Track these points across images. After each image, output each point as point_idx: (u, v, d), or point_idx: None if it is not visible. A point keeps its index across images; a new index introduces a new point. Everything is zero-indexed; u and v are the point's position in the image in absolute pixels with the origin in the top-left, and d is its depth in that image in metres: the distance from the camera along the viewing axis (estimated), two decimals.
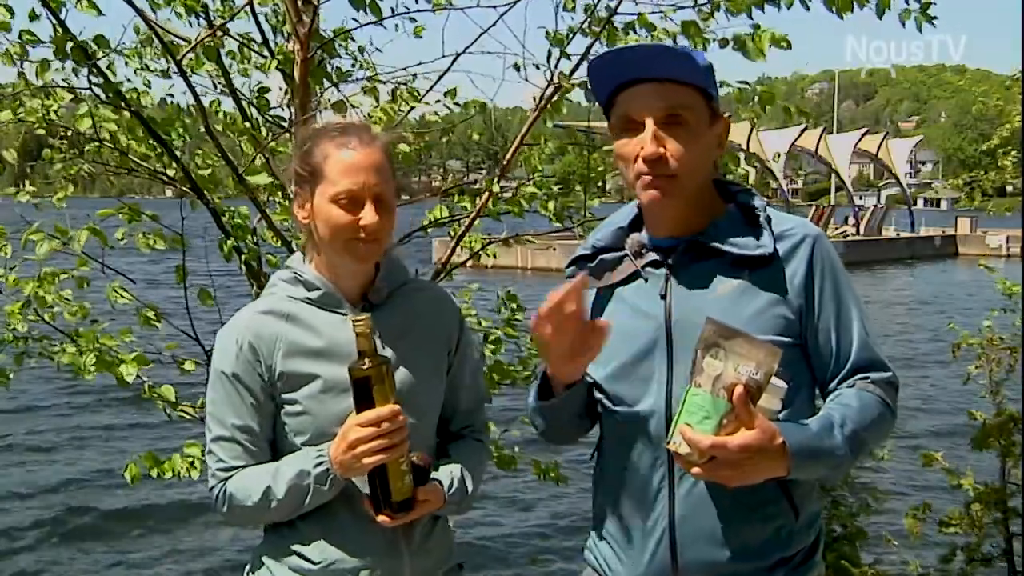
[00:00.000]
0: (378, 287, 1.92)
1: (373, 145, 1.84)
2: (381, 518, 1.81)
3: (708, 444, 1.57)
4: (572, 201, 4.10)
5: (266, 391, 1.86)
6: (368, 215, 1.81)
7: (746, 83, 3.64)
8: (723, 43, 3.49)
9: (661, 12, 3.54)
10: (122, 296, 3.57)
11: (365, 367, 1.74)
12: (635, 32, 3.57)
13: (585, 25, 3.60)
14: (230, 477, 1.87)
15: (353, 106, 3.92)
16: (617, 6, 3.58)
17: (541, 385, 1.88)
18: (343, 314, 1.88)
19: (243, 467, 1.87)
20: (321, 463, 1.81)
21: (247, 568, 2.00)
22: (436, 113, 4.05)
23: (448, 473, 1.94)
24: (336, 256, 1.87)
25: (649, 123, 1.73)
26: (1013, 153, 7.58)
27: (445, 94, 3.91)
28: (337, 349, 1.86)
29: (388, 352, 1.86)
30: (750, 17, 3.45)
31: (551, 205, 4.00)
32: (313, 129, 1.89)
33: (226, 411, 1.87)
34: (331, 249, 1.86)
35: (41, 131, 3.62)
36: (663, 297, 1.80)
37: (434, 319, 2.00)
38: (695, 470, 1.61)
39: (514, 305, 4.19)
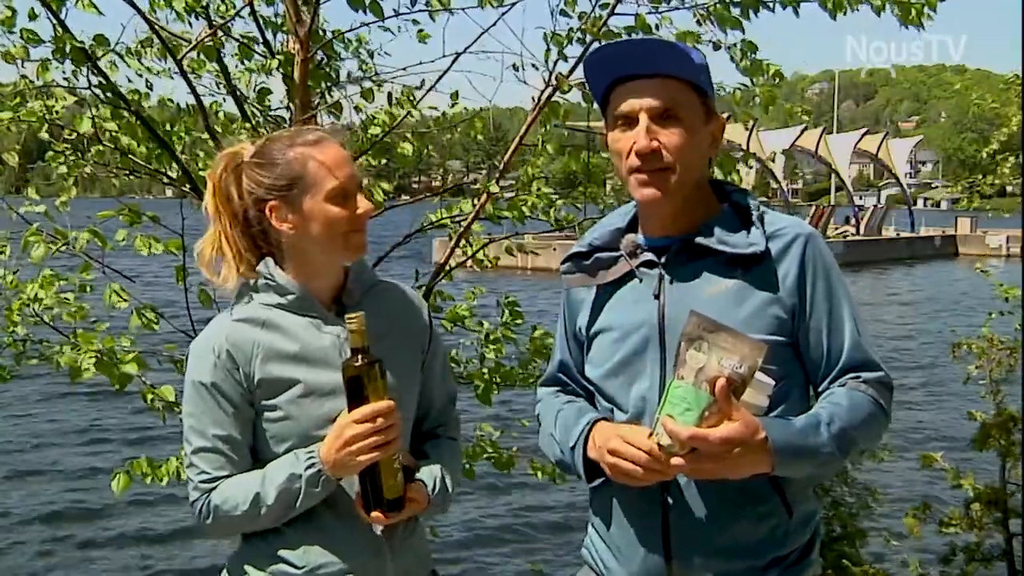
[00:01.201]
0: (350, 290, 1.92)
1: (338, 139, 1.88)
2: (375, 515, 1.80)
3: (688, 435, 1.56)
4: (575, 200, 4.11)
5: (245, 399, 1.84)
6: (363, 203, 1.84)
7: (746, 85, 3.66)
8: (716, 45, 3.50)
9: (659, 15, 3.55)
10: (122, 299, 3.56)
11: (358, 364, 1.74)
12: (629, 35, 3.58)
13: (580, 28, 3.61)
14: (213, 488, 1.84)
15: (357, 109, 3.93)
16: (613, 8, 3.59)
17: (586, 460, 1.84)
18: (318, 318, 1.88)
19: (226, 477, 1.84)
20: (312, 464, 1.79)
21: (224, 572, 1.96)
22: (437, 116, 4.06)
23: (430, 474, 1.93)
24: (329, 255, 1.87)
25: (643, 117, 1.74)
26: (1012, 159, 7.59)
27: (452, 97, 3.92)
28: (315, 353, 1.86)
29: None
30: (747, 19, 3.47)
31: (551, 212, 4.01)
32: (268, 143, 1.87)
33: (206, 422, 1.84)
34: (326, 248, 1.85)
35: (44, 134, 3.62)
36: (656, 297, 1.81)
37: (408, 319, 2.00)
38: (675, 461, 1.61)
39: (515, 309, 4.19)
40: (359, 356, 1.74)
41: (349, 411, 1.76)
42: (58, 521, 9.40)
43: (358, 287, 1.93)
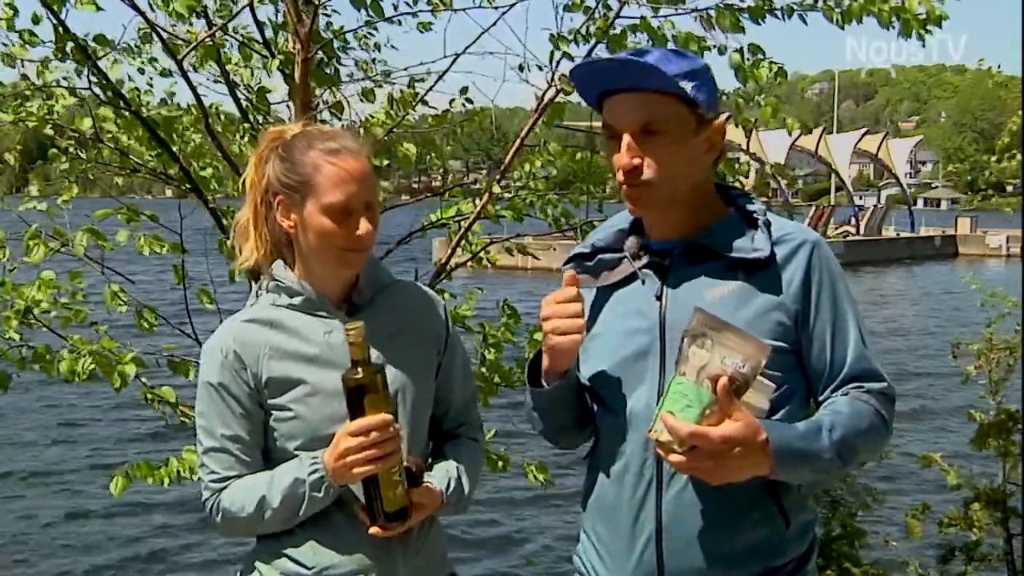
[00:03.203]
0: (361, 289, 1.92)
1: (361, 154, 1.84)
2: (374, 530, 1.80)
3: (688, 432, 1.55)
4: (576, 199, 4.11)
5: (253, 399, 1.85)
6: (363, 226, 1.81)
7: (747, 93, 3.66)
8: (722, 50, 3.50)
9: (663, 17, 3.55)
10: (121, 302, 3.56)
11: (358, 376, 1.73)
12: (636, 36, 3.58)
13: (585, 29, 3.61)
14: (223, 488, 1.86)
15: (361, 112, 3.94)
16: (619, 9, 3.58)
17: (532, 373, 1.89)
18: (327, 318, 1.88)
19: (236, 477, 1.86)
20: (316, 470, 1.79)
21: (239, 572, 1.98)
22: (437, 115, 4.06)
23: (444, 473, 1.93)
24: (323, 265, 1.87)
25: (625, 136, 1.74)
26: (1017, 157, 7.60)
27: (458, 94, 3.92)
28: (323, 353, 1.86)
29: (378, 353, 1.84)
30: (758, 23, 3.47)
31: (549, 211, 4.01)
32: (298, 137, 1.87)
33: (215, 422, 1.86)
34: (320, 258, 1.86)
35: (46, 132, 3.61)
36: (658, 299, 1.80)
37: (421, 318, 1.99)
38: (674, 458, 1.59)
39: (511, 311, 4.19)
40: (359, 368, 1.73)
41: (351, 422, 1.76)
42: (66, 517, 9.43)
43: (369, 286, 1.93)
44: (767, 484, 1.68)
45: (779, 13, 3.45)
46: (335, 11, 3.73)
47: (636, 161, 1.73)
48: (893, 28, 3.33)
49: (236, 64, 3.80)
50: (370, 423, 1.73)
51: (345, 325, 1.75)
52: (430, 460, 1.99)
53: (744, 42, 3.50)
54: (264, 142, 1.90)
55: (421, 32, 3.84)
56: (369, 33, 3.87)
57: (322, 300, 1.88)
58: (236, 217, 1.95)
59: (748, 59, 3.51)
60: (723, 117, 1.89)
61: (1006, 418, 5.29)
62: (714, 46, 3.50)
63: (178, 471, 3.57)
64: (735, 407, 1.57)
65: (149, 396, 3.66)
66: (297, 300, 1.88)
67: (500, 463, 4.20)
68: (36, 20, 3.27)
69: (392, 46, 4.03)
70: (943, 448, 6.89)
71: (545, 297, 1.76)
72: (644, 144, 1.73)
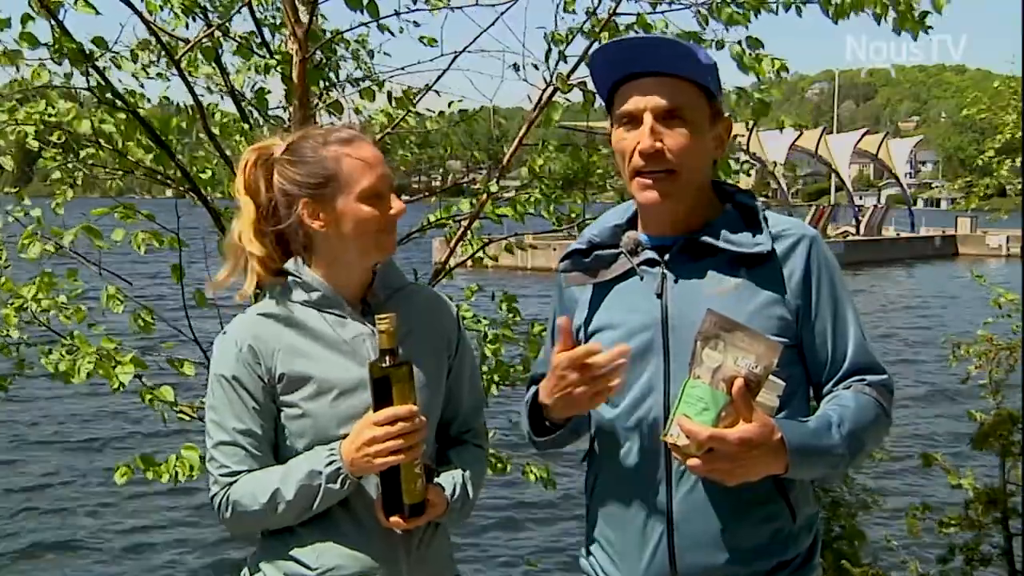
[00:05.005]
0: (375, 291, 1.92)
1: (370, 140, 1.88)
2: (394, 520, 1.79)
3: (707, 435, 1.54)
4: (574, 200, 4.10)
5: (267, 393, 1.84)
6: (396, 204, 1.85)
7: (743, 89, 3.66)
8: (719, 44, 3.50)
9: (660, 13, 3.56)
10: (118, 301, 3.55)
11: (386, 365, 1.73)
12: (632, 33, 3.58)
13: (584, 26, 3.61)
14: (233, 483, 1.83)
15: (356, 111, 3.92)
16: (616, 6, 3.59)
17: (533, 415, 1.87)
18: (343, 316, 1.88)
19: (246, 472, 1.83)
20: (333, 461, 1.77)
21: (243, 572, 1.96)
22: (437, 117, 4.05)
23: (450, 479, 1.91)
24: (360, 254, 1.87)
25: (647, 117, 1.71)
26: (1008, 162, 7.59)
27: (450, 105, 3.92)
28: (336, 351, 1.85)
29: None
30: (748, 23, 3.47)
31: (552, 209, 4.01)
32: (302, 139, 1.87)
33: (227, 415, 1.84)
34: (357, 247, 1.85)
35: (34, 142, 3.59)
36: (659, 296, 1.79)
37: (433, 322, 1.98)
38: (692, 462, 1.59)
39: (513, 305, 4.18)
40: (387, 357, 1.73)
41: (375, 412, 1.75)
42: (64, 522, 9.42)
43: (384, 288, 1.93)
44: (775, 480, 1.68)
45: (774, 6, 3.46)
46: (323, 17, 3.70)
47: (659, 144, 1.71)
48: (887, 22, 3.33)
49: (234, 57, 3.79)
50: (396, 413, 1.73)
51: (377, 315, 1.74)
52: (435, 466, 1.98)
53: (742, 38, 3.51)
54: (249, 160, 1.88)
55: (428, 46, 3.82)
56: (360, 44, 3.86)
57: (339, 299, 1.88)
58: (227, 239, 1.92)
59: (749, 53, 3.51)
60: (727, 115, 1.88)
61: (1006, 418, 5.29)
62: (713, 41, 3.51)
63: (176, 471, 3.55)
64: (751, 408, 1.57)
65: (148, 397, 3.65)
66: (314, 296, 1.87)
67: (500, 465, 4.19)
68: (27, 19, 3.23)
69: (385, 53, 4.04)
70: (943, 448, 6.89)
71: (560, 355, 1.69)
72: (666, 129, 1.72)
